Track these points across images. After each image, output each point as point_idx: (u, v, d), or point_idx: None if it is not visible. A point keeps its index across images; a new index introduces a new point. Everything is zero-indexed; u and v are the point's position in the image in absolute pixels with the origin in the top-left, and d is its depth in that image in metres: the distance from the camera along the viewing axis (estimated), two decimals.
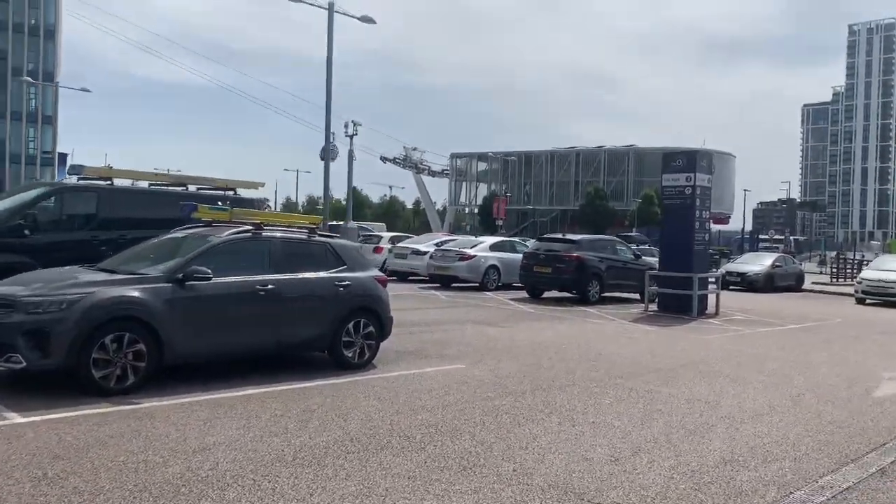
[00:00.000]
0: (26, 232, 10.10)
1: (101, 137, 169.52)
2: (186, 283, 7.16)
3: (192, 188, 12.45)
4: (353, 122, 26.07)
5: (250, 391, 7.22)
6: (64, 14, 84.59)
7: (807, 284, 30.14)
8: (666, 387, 8.60)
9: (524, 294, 19.83)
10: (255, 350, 7.87)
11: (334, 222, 25.12)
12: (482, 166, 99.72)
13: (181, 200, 10.27)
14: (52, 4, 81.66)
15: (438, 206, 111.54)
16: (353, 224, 24.84)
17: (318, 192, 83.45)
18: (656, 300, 17.81)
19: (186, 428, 5.88)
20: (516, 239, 24.27)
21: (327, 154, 22.92)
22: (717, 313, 17.36)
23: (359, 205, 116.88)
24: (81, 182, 11.02)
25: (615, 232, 63.72)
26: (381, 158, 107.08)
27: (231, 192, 12.60)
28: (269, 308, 7.77)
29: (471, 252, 20.71)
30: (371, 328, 8.67)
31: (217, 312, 7.41)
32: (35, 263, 9.40)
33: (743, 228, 63.52)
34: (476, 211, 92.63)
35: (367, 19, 22.84)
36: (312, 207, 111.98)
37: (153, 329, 6.86)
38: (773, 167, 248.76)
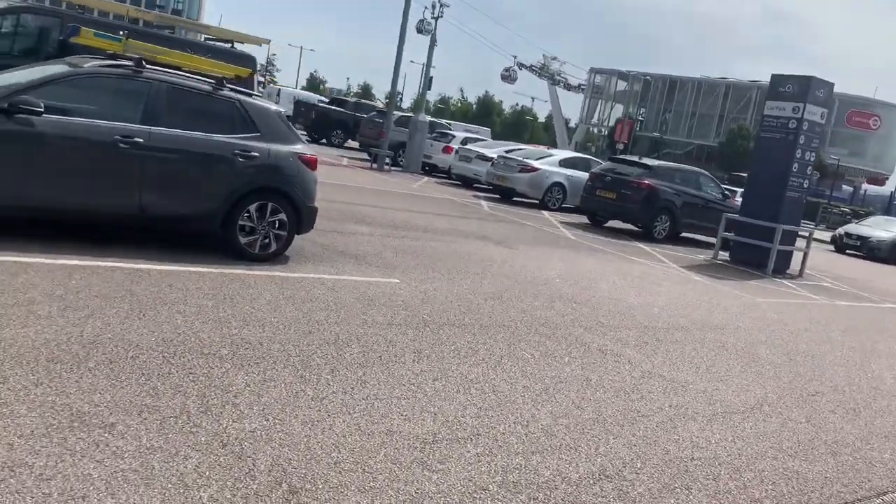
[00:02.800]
0: None
1: (254, 13, 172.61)
2: (14, 115, 5.72)
3: (184, 33, 11.04)
4: (439, 1, 23.64)
5: (75, 261, 5.80)
6: None
7: None
8: (633, 350, 6.54)
9: (584, 220, 17.56)
10: (108, 213, 6.40)
11: (406, 114, 23.27)
12: (622, 86, 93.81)
13: (160, 41, 8.86)
14: None
15: (572, 124, 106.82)
16: (424, 117, 22.85)
17: (444, 89, 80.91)
18: (730, 249, 15.17)
19: None
20: (593, 157, 21.56)
21: (402, 32, 20.82)
22: (800, 275, 14.56)
23: (488, 112, 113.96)
24: (44, 5, 9.78)
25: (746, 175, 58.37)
26: (516, 64, 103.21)
27: (228, 45, 11.13)
28: (133, 166, 6.24)
29: (534, 164, 18.43)
30: (282, 215, 7.01)
31: (53, 157, 5.96)
32: None
33: (894, 191, 56.21)
34: (605, 132, 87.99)
35: None
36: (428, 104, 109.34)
37: None
38: None
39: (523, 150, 20.87)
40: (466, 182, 21.44)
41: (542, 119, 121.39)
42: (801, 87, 14.04)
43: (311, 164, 7.27)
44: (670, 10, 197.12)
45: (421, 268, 8.31)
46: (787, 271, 14.70)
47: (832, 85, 14.38)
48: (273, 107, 7.25)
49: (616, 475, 3.94)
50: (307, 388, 4.25)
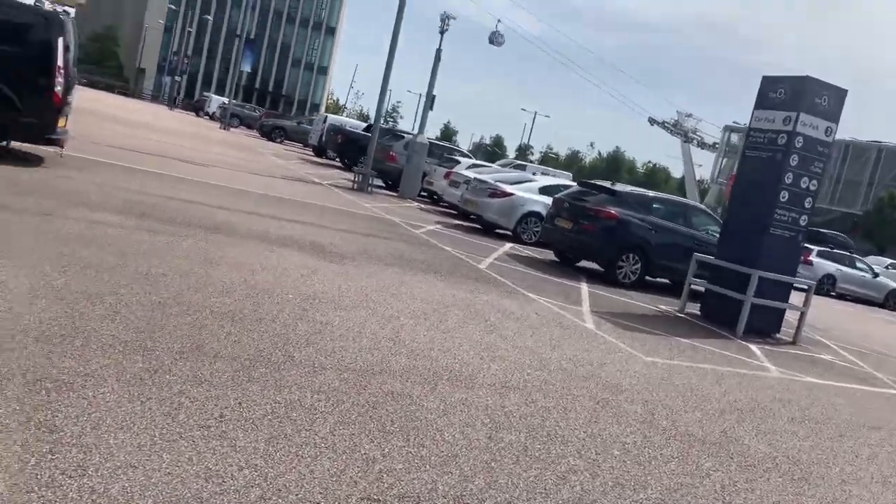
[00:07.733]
0: None
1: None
2: None
3: None
4: (447, 14, 21.36)
5: None
6: None
7: None
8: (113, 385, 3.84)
9: (551, 255, 14.47)
10: None
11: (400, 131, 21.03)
12: None
13: None
14: None
15: (707, 184, 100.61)
16: (424, 139, 20.49)
17: (573, 143, 78.43)
18: (701, 300, 11.65)
19: None
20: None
21: (390, 58, 18.71)
22: (793, 342, 10.81)
23: (617, 167, 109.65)
24: None
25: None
26: (648, 120, 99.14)
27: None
28: None
29: (506, 189, 15.55)
30: None
31: None
32: None
33: None
34: None
35: None
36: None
37: None
38: None
39: (507, 174, 18.01)
40: (462, 212, 18.72)
41: (677, 176, 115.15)
42: (794, 92, 10.54)
43: None
44: (817, 67, 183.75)
45: (34, 258, 5.97)
46: (776, 335, 10.99)
47: (844, 92, 10.73)
48: None
49: None
50: None
